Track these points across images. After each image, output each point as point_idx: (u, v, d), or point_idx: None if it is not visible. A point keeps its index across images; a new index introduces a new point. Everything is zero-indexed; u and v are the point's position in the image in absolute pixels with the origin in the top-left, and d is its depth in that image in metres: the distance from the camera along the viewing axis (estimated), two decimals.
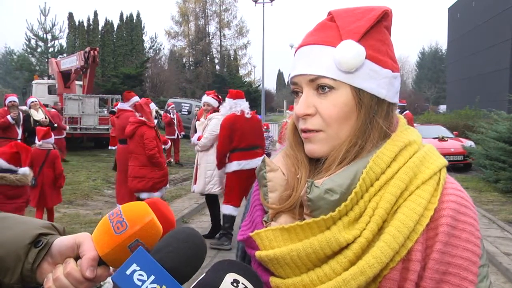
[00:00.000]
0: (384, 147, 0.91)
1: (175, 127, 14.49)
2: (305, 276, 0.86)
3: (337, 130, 0.92)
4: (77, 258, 0.79)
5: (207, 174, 6.54)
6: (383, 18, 0.94)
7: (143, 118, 6.39)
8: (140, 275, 0.69)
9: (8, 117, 8.82)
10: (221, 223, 6.57)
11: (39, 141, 6.31)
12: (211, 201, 6.84)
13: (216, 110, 6.60)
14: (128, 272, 0.70)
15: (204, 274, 0.73)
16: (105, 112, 16.68)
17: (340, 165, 0.91)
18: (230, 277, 0.71)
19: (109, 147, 13.43)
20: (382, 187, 0.87)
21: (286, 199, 0.96)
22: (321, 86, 0.92)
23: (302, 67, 0.94)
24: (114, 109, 13.94)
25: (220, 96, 6.88)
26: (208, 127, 6.47)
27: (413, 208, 0.84)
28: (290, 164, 1.00)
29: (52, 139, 6.44)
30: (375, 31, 0.93)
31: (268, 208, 0.97)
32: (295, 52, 0.99)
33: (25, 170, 4.71)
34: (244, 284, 0.71)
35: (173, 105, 15.92)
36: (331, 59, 0.91)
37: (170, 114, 14.89)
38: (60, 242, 0.81)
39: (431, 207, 0.85)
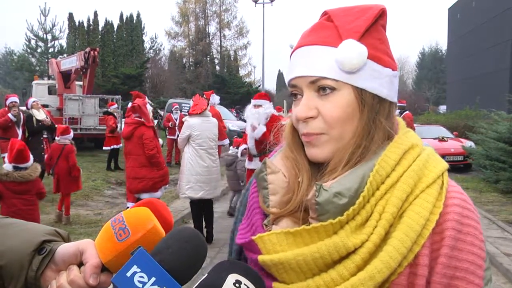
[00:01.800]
0: (388, 149, 0.89)
1: (176, 127, 14.52)
2: (310, 281, 0.84)
3: (340, 132, 0.90)
4: (80, 265, 0.79)
5: (180, 177, 6.50)
6: (380, 17, 0.93)
7: (141, 119, 6.39)
8: (140, 276, 0.69)
9: (9, 115, 8.80)
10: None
11: (57, 136, 7.26)
12: (192, 204, 6.63)
13: (191, 112, 6.45)
14: (128, 274, 0.69)
15: (206, 274, 0.73)
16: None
17: (345, 167, 0.89)
18: (232, 277, 0.70)
19: (103, 148, 13.33)
20: (388, 190, 0.86)
21: (286, 203, 0.94)
22: (322, 88, 0.90)
23: (301, 68, 0.92)
24: (109, 110, 13.94)
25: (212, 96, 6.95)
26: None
27: (419, 212, 0.83)
28: (290, 166, 0.98)
29: (70, 135, 7.31)
30: (373, 29, 0.92)
31: (268, 213, 0.95)
32: (292, 53, 0.97)
33: (27, 164, 4.99)
34: (246, 285, 0.70)
35: (177, 106, 15.98)
36: (332, 59, 0.88)
37: (173, 114, 14.99)
38: (64, 249, 0.81)
39: (436, 211, 0.84)
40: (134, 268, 0.70)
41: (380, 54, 0.92)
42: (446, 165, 0.92)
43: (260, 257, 0.87)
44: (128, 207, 6.88)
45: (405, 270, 0.82)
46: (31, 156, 5.12)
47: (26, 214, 4.89)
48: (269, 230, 0.92)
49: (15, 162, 4.86)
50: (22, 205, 4.91)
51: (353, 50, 0.87)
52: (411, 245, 0.81)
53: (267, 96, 7.06)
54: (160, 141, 7.31)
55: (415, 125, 15.30)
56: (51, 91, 18.27)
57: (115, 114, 13.29)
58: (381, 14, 0.93)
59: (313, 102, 0.91)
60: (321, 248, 0.82)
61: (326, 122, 0.90)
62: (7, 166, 4.88)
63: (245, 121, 14.57)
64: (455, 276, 0.82)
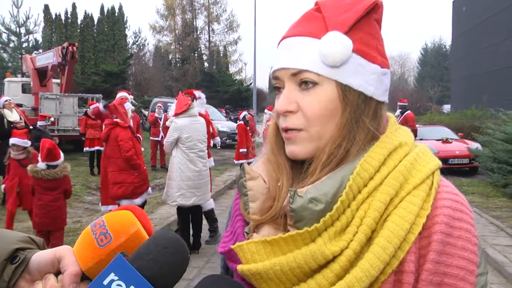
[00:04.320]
0: (372, 150, 0.90)
1: (160, 128, 14.43)
2: None
3: (320, 130, 0.91)
4: (57, 273, 0.78)
5: (168, 184, 6.40)
6: (373, 10, 0.94)
7: (117, 119, 6.37)
8: (118, 285, 0.68)
9: None
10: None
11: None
12: (181, 212, 6.58)
13: (178, 112, 6.29)
14: (105, 282, 0.69)
15: None
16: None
17: (324, 169, 0.90)
18: None
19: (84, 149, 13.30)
20: (370, 194, 0.86)
21: (268, 209, 0.95)
22: (304, 81, 0.91)
23: (284, 60, 0.94)
24: (88, 109, 13.77)
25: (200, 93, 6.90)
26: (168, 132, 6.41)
27: (404, 215, 0.83)
28: (272, 170, 0.99)
29: (26, 142, 7.37)
30: (364, 23, 0.92)
31: (249, 219, 0.97)
32: (278, 43, 0.98)
33: (57, 162, 5.65)
34: None
35: (159, 105, 15.94)
36: (315, 52, 0.90)
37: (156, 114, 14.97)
38: (39, 257, 0.79)
39: (424, 213, 0.84)
40: (112, 276, 0.69)
41: (369, 50, 0.92)
42: (437, 164, 0.92)
43: (239, 267, 0.90)
44: (110, 210, 6.91)
45: (390, 278, 0.83)
46: (62, 154, 5.73)
47: (54, 209, 5.72)
48: (250, 238, 0.93)
49: (46, 160, 5.51)
50: (50, 201, 5.67)
51: (336, 43, 0.88)
52: (394, 251, 0.81)
53: (193, 93, 6.87)
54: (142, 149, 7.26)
55: (417, 125, 15.38)
56: (25, 89, 18.20)
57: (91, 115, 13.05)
58: (374, 7, 0.93)
59: (294, 95, 0.93)
60: (298, 257, 0.84)
61: (306, 118, 0.91)
62: (40, 165, 5.57)
63: (235, 121, 14.59)
64: (444, 283, 0.83)
